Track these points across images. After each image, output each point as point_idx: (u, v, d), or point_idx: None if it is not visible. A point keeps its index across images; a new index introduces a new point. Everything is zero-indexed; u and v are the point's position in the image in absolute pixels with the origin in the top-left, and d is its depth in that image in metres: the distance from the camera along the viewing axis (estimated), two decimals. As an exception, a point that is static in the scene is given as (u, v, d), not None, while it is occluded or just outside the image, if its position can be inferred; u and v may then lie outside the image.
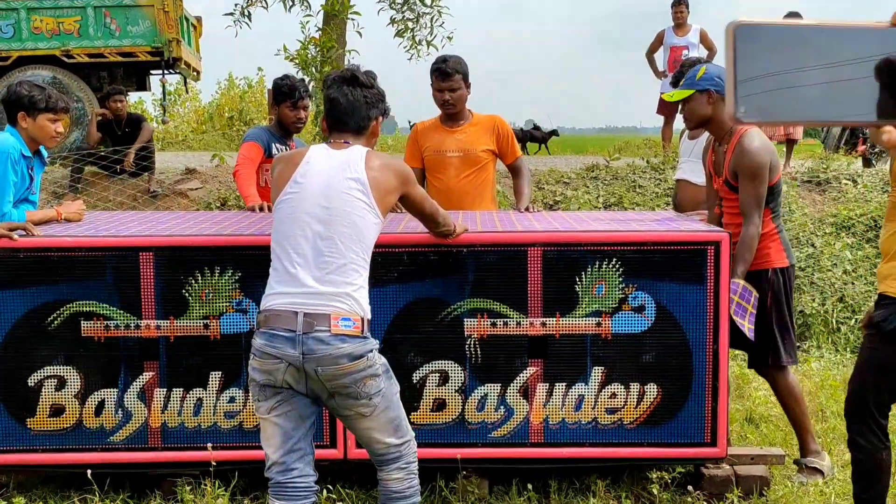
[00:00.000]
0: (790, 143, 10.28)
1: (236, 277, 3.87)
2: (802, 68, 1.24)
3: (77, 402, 3.93)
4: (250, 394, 3.07)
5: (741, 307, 4.00)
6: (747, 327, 4.00)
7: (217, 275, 3.87)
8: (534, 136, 18.87)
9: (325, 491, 3.75)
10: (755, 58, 1.23)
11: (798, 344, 6.95)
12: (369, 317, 3.03)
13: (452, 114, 5.10)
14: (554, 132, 19.57)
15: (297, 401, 2.99)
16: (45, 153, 4.46)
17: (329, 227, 2.99)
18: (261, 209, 4.85)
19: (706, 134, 4.90)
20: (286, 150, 5.37)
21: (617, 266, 3.87)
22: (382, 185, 3.07)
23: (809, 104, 1.25)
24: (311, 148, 3.18)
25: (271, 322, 2.94)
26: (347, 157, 3.09)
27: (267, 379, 2.95)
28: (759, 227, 4.09)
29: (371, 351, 2.97)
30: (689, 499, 3.90)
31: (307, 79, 7.96)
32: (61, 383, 3.92)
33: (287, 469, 2.98)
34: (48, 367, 3.91)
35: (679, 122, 10.50)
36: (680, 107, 4.30)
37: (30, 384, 3.91)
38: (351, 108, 3.16)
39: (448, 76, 4.98)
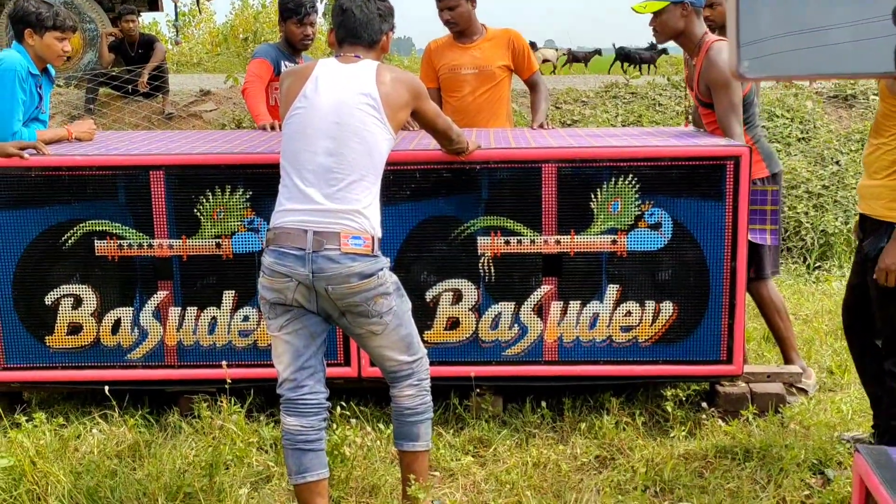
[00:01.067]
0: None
1: (248, 196, 3.84)
2: (814, 17, 1.14)
3: (94, 321, 3.96)
4: (262, 311, 3.05)
5: (756, 213, 3.98)
6: (769, 231, 3.95)
7: (228, 193, 3.84)
8: (576, 57, 18.43)
9: (338, 408, 3.77)
10: (762, 6, 1.13)
11: (819, 263, 6.89)
12: (380, 235, 3.00)
13: (460, 31, 5.00)
14: (597, 52, 18.92)
15: (308, 319, 2.96)
16: (52, 71, 4.40)
17: (339, 142, 2.93)
18: (272, 128, 4.79)
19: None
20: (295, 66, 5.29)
21: (633, 182, 3.81)
22: (394, 99, 3.00)
23: (823, 56, 1.15)
24: (319, 62, 3.11)
25: (280, 240, 2.90)
26: (358, 71, 3.02)
27: (277, 297, 2.93)
28: (741, 136, 4.00)
29: (381, 269, 2.94)
30: (704, 416, 3.90)
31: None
32: (77, 302, 3.94)
33: (298, 386, 2.97)
34: (64, 286, 3.93)
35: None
36: (651, 19, 4.16)
37: (47, 303, 3.94)
38: (365, 19, 3.07)
39: None
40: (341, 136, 2.93)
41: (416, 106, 3.11)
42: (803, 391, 4.29)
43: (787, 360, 4.38)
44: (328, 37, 3.20)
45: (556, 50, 17.44)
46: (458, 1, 4.88)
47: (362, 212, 2.92)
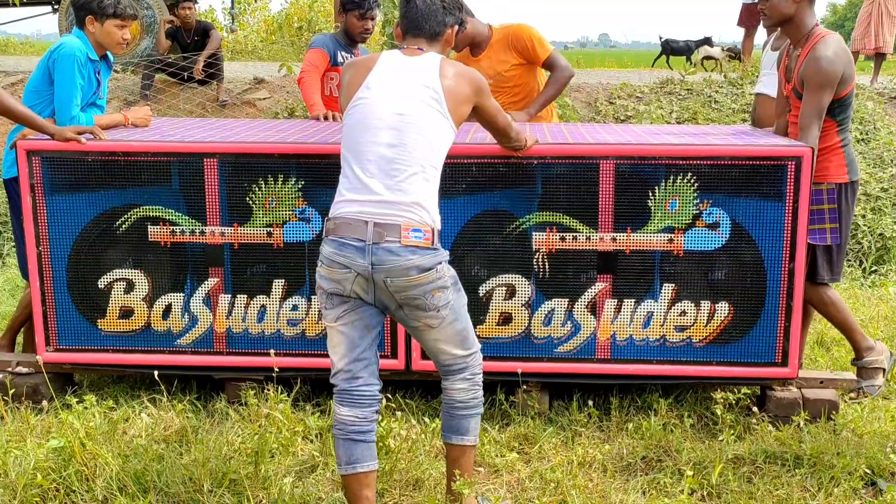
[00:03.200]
0: (879, 56, 9.82)
1: (299, 186, 3.84)
2: None
3: (145, 305, 3.99)
4: (318, 301, 3.03)
5: (814, 213, 3.90)
6: (829, 229, 3.85)
7: (281, 182, 3.84)
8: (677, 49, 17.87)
9: (385, 401, 3.76)
10: None
11: (875, 267, 6.73)
12: (439, 227, 2.97)
13: (466, 47, 4.97)
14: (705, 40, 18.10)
15: (365, 310, 2.94)
16: (111, 58, 4.44)
17: (401, 134, 2.90)
18: (325, 118, 4.79)
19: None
20: (351, 57, 5.29)
21: (692, 181, 3.74)
22: (457, 93, 2.97)
23: None
24: (383, 54, 3.08)
25: (341, 230, 2.87)
26: (421, 64, 3.00)
27: (335, 287, 2.90)
28: (817, 140, 3.88)
29: (440, 263, 2.91)
30: (754, 420, 3.82)
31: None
32: (130, 286, 3.97)
33: (353, 377, 2.95)
34: (117, 270, 3.97)
35: (760, 36, 10.09)
36: (760, 1, 4.05)
37: (100, 286, 3.98)
38: (427, 11, 3.06)
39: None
40: (404, 128, 2.90)
41: (477, 102, 3.08)
42: (880, 370, 4.21)
43: (854, 343, 4.28)
44: (394, 29, 3.20)
45: (722, 48, 16.80)
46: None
47: (422, 204, 2.89)
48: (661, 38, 17.95)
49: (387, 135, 2.90)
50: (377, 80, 2.98)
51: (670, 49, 17.28)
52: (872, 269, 6.77)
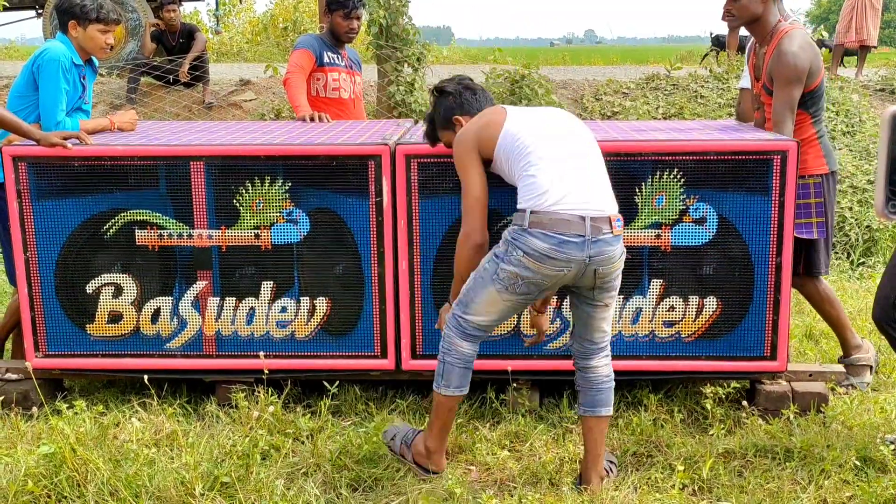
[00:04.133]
0: (863, 49, 9.86)
1: (286, 187, 3.83)
2: None
3: (134, 310, 3.98)
4: (497, 275, 3.15)
5: (801, 207, 3.92)
6: (815, 223, 3.88)
7: (268, 184, 3.84)
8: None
9: (375, 399, 3.77)
10: None
11: (863, 259, 6.77)
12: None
13: None
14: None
15: (538, 295, 3.26)
16: (96, 62, 4.43)
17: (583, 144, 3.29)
18: (312, 119, 4.79)
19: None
20: (338, 58, 5.29)
21: (678, 177, 3.75)
22: None
23: None
24: (502, 107, 3.41)
25: (558, 227, 3.06)
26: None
27: (542, 280, 3.12)
28: (791, 135, 3.91)
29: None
30: (744, 414, 3.84)
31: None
32: (118, 291, 3.97)
33: (487, 330, 3.31)
34: (105, 275, 3.96)
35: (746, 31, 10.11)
36: (727, 2, 4.08)
37: (88, 291, 3.97)
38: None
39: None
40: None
41: None
42: (867, 367, 4.25)
43: (844, 341, 4.34)
44: (457, 119, 3.46)
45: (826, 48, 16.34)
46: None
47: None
48: (710, 34, 17.57)
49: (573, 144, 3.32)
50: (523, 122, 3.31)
51: (720, 44, 16.81)
52: (860, 261, 6.80)
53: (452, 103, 3.49)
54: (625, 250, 3.20)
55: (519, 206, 3.14)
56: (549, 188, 3.08)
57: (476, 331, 3.27)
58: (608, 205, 3.15)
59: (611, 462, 3.46)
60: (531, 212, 3.07)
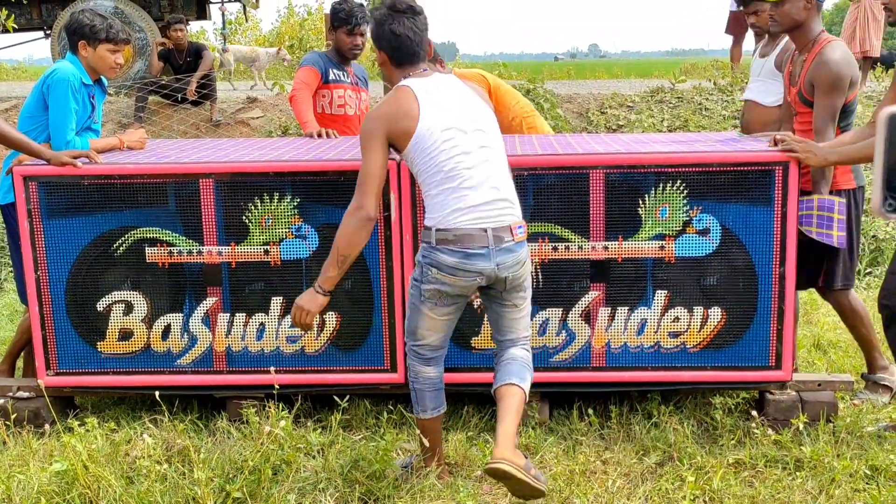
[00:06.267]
0: (867, 60, 9.88)
1: (295, 203, 3.87)
2: None
3: (145, 327, 4.01)
4: (422, 296, 3.27)
5: (824, 219, 3.89)
6: (836, 236, 3.87)
7: (276, 201, 3.87)
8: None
9: (385, 413, 3.79)
10: None
11: (869, 269, 6.77)
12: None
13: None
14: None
15: (464, 302, 3.36)
16: (105, 82, 4.48)
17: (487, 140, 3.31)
18: (319, 135, 4.83)
19: (776, 52, 4.71)
20: (343, 75, 5.33)
21: (681, 188, 3.77)
22: (484, 100, 3.46)
23: None
24: (411, 90, 3.27)
25: (463, 241, 3.17)
26: (443, 79, 3.36)
27: (460, 290, 3.25)
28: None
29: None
30: (753, 424, 3.84)
31: (366, 3, 7.84)
32: (129, 308, 4.00)
33: (440, 348, 3.41)
34: (116, 293, 3.99)
35: (748, 43, 10.15)
36: (770, 7, 4.09)
37: (99, 309, 4.00)
38: (419, 39, 3.33)
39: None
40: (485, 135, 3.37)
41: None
42: (888, 389, 4.23)
43: (871, 361, 4.32)
44: (378, 56, 3.33)
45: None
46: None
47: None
48: (892, 52, 16.72)
49: (477, 144, 3.34)
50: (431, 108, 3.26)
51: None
52: (867, 271, 6.80)
53: (385, 37, 3.33)
54: (528, 253, 3.35)
55: (426, 224, 3.25)
56: (453, 206, 3.18)
57: (431, 352, 3.39)
58: (508, 213, 3.24)
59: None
60: (436, 229, 3.19)
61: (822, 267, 4.15)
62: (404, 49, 3.31)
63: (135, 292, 3.99)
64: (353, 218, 3.23)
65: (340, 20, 5.20)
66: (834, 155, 3.75)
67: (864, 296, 6.21)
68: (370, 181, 3.21)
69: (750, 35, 9.80)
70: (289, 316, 3.93)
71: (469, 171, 3.19)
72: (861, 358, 4.80)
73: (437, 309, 3.28)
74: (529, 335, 3.47)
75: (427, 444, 3.45)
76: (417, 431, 3.59)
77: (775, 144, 3.81)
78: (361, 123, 3.39)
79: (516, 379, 3.32)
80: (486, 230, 3.17)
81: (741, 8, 4.69)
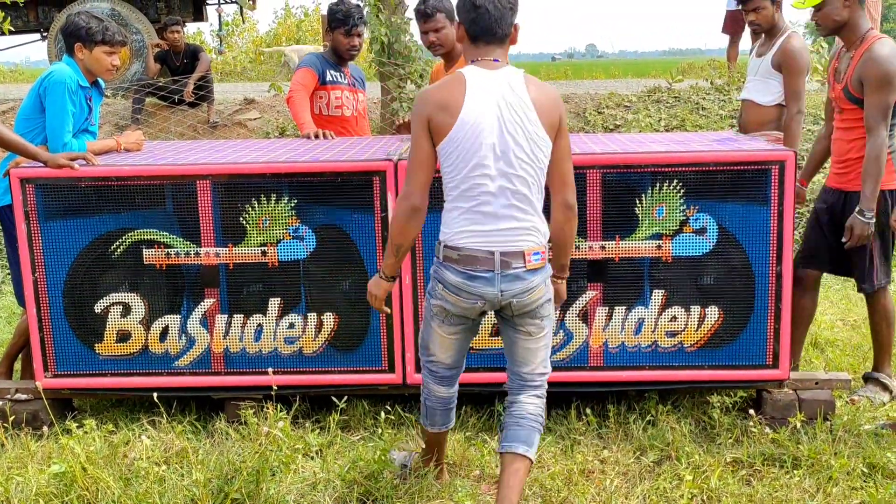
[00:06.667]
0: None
1: (292, 204, 3.87)
2: None
3: (142, 328, 4.02)
4: (432, 311, 3.15)
5: None
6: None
7: (273, 202, 3.88)
8: None
9: (383, 413, 3.79)
10: None
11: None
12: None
13: (445, 53, 4.94)
14: None
15: (477, 322, 3.19)
16: (102, 84, 4.48)
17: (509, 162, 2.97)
18: (316, 136, 4.83)
19: (773, 52, 4.71)
20: (341, 76, 5.32)
21: (678, 187, 3.78)
22: (547, 111, 3.00)
23: None
24: (464, 81, 2.98)
25: (468, 262, 2.99)
26: (508, 79, 3.00)
27: (462, 311, 3.08)
28: (886, 140, 3.91)
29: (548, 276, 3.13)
30: (751, 423, 3.85)
31: (363, 4, 7.84)
32: (126, 310, 4.00)
33: (453, 367, 3.27)
34: (113, 294, 3.99)
35: (745, 43, 10.15)
36: (812, 13, 4.10)
37: (97, 311, 4.00)
38: (500, 14, 2.99)
39: (429, 17, 4.82)
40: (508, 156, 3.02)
41: (561, 127, 3.12)
42: (887, 390, 4.26)
43: (879, 362, 4.32)
44: (456, 30, 3.13)
45: None
46: (443, 23, 4.80)
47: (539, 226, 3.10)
48: None
49: (497, 165, 3.03)
50: (470, 114, 2.95)
51: None
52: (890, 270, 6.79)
53: (465, 7, 3.04)
54: (546, 281, 3.08)
55: (439, 236, 3.09)
56: (462, 226, 3.00)
57: (444, 370, 3.25)
58: (525, 238, 3.00)
59: None
60: (444, 245, 3.04)
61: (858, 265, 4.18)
62: (481, 22, 2.98)
63: (132, 294, 3.99)
64: (401, 206, 3.04)
65: (337, 21, 5.20)
66: (872, 199, 3.92)
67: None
68: (414, 168, 3.01)
69: (746, 34, 9.81)
70: (286, 317, 3.95)
71: (488, 197, 2.96)
72: (858, 357, 4.82)
73: (444, 327, 3.14)
74: (547, 373, 3.20)
75: (428, 448, 3.44)
76: (419, 434, 3.60)
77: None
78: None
79: (523, 448, 3.06)
80: (493, 253, 2.96)
81: (741, 6, 4.70)
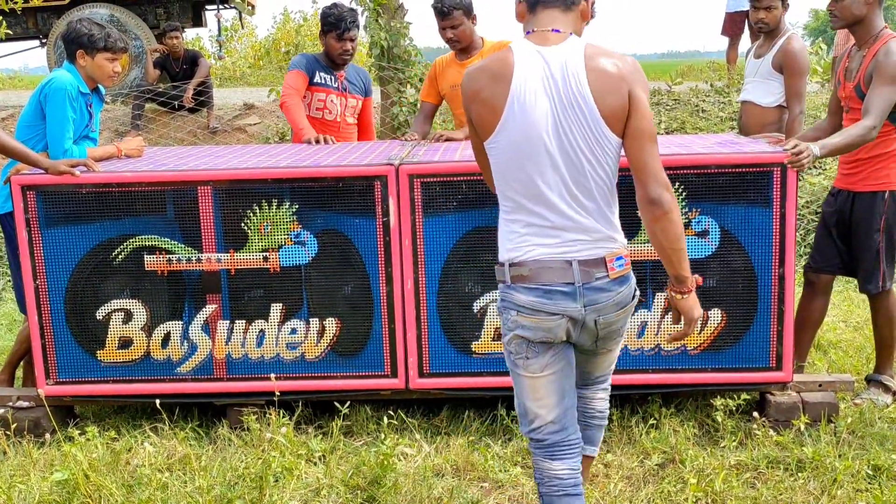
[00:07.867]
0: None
1: (294, 209, 3.87)
2: None
3: (144, 335, 4.01)
4: (511, 356, 2.64)
5: None
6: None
7: (275, 207, 3.87)
8: None
9: (386, 418, 3.78)
10: None
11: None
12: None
13: (462, 48, 5.06)
14: None
15: (569, 350, 2.63)
16: (102, 90, 4.48)
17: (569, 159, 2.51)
18: (317, 141, 4.81)
19: (772, 53, 4.71)
20: (331, 79, 5.27)
21: (680, 190, 3.77)
22: (607, 97, 2.45)
23: None
24: (512, 61, 2.47)
25: (542, 276, 2.51)
26: (565, 58, 2.46)
27: (545, 334, 2.55)
28: (872, 132, 3.85)
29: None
30: (755, 426, 3.84)
31: (359, 8, 7.83)
32: (128, 316, 3.99)
33: (562, 429, 2.62)
34: (115, 301, 3.99)
35: (744, 44, 10.16)
36: (830, 3, 4.07)
37: (98, 317, 4.00)
38: None
39: (447, 15, 4.92)
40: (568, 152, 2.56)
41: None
42: (890, 391, 4.25)
43: (881, 363, 4.31)
44: (516, 6, 2.69)
45: None
46: (460, 20, 4.92)
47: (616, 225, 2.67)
48: None
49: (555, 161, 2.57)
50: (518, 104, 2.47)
51: None
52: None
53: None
54: (634, 291, 2.66)
55: (500, 258, 2.63)
56: (528, 232, 2.54)
57: (552, 435, 2.61)
58: (601, 244, 2.55)
59: None
60: (510, 264, 2.55)
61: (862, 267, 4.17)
62: None
63: (134, 300, 3.99)
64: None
65: (330, 25, 5.16)
66: (825, 149, 3.78)
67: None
68: (478, 161, 2.71)
69: (745, 36, 9.82)
70: (288, 322, 3.94)
71: (547, 193, 2.50)
72: (861, 358, 4.81)
73: (530, 364, 2.57)
74: (613, 366, 2.93)
75: None
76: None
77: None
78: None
79: (591, 449, 2.94)
80: (570, 262, 2.50)
81: (752, 3, 4.69)
